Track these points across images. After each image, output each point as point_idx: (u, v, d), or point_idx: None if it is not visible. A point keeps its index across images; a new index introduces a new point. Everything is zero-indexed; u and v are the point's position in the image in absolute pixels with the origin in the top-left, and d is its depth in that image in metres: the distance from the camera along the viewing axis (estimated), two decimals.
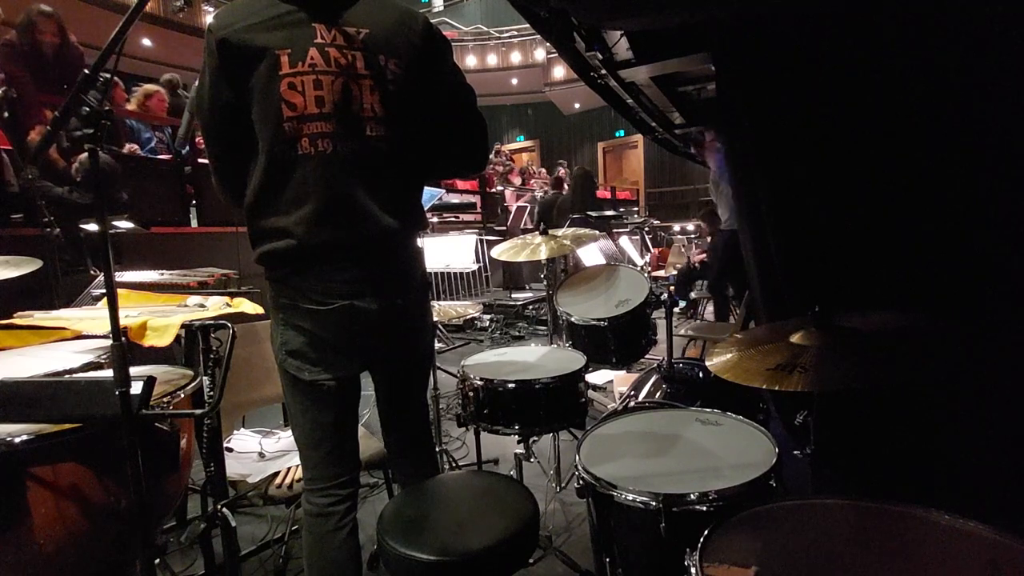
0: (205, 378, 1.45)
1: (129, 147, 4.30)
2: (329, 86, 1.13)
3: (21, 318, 1.64)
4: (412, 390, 1.42)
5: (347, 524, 1.26)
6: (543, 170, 12.60)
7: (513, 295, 6.37)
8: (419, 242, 1.36)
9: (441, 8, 15.97)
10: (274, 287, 1.22)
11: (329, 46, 1.13)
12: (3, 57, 3.56)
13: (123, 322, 1.31)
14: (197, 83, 1.19)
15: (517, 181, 10.70)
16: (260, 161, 1.15)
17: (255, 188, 1.16)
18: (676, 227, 9.09)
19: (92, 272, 3.29)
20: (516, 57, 14.48)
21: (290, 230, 1.14)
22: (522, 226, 7.29)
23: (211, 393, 1.43)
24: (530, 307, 6.19)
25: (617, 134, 15.44)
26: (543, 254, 2.40)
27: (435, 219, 6.35)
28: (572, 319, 2.31)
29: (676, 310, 4.29)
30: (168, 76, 5.33)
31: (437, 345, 3.26)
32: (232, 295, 1.97)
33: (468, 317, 2.28)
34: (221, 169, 1.24)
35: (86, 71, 0.91)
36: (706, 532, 0.90)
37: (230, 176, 1.22)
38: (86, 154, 0.94)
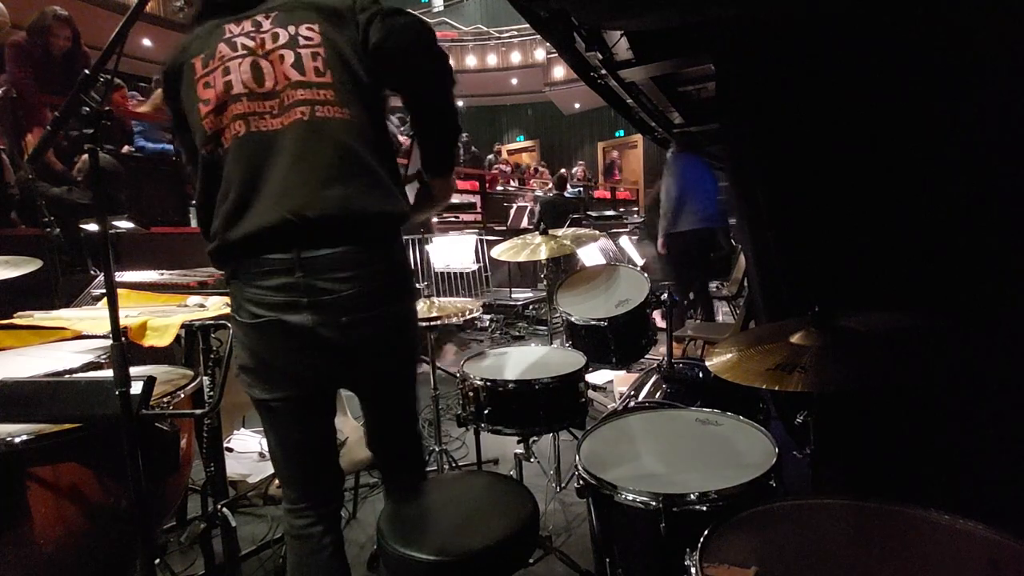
0: (205, 378, 1.45)
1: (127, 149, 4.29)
2: (236, 68, 1.06)
3: (21, 318, 1.64)
4: (390, 413, 1.28)
5: (326, 547, 1.18)
6: (544, 170, 12.60)
7: (513, 295, 6.37)
8: (404, 239, 1.19)
9: (441, 8, 15.96)
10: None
11: (237, 36, 1.09)
12: (9, 57, 3.55)
13: (123, 322, 1.31)
14: None
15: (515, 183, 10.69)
16: (198, 172, 1.10)
17: (198, 204, 1.13)
18: None
19: (92, 272, 3.28)
20: (516, 57, 14.47)
21: (217, 229, 1.07)
22: (522, 226, 7.29)
23: (211, 393, 1.43)
24: (530, 307, 6.18)
25: (617, 134, 15.43)
26: (543, 254, 2.40)
27: (435, 219, 6.33)
28: (572, 319, 2.31)
29: None
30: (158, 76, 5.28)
31: None
32: None
33: (468, 317, 2.28)
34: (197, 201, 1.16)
35: (86, 71, 0.92)
36: (706, 532, 0.90)
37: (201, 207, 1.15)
38: (87, 155, 0.94)
